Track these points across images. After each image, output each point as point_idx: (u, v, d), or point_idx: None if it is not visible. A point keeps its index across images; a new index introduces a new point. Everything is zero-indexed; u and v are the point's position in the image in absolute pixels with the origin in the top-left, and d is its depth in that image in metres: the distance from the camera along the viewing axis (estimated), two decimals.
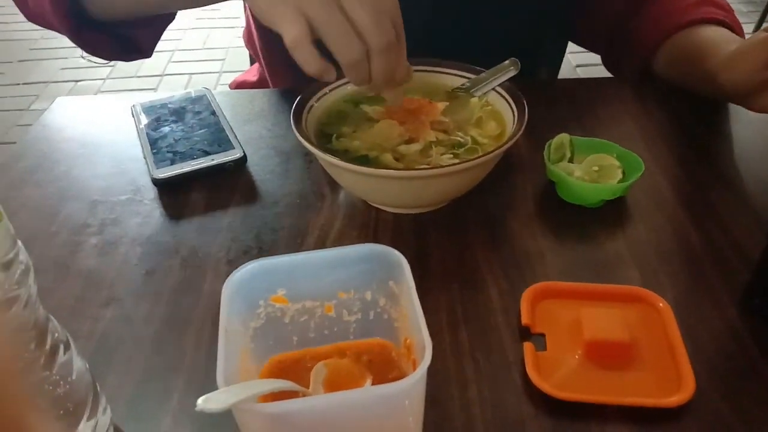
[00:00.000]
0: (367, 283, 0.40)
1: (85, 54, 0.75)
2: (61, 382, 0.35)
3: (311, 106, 0.60)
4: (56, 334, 0.36)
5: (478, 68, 0.63)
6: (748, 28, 3.07)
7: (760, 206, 0.59)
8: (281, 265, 0.38)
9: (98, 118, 0.77)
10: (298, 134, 0.54)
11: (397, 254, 0.38)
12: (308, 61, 0.50)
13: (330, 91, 0.63)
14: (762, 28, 0.63)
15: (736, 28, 0.75)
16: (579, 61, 0.96)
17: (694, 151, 0.67)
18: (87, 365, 0.38)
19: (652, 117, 0.73)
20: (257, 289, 0.39)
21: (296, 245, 0.56)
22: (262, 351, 0.41)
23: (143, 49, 0.77)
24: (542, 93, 0.76)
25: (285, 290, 0.39)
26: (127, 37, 0.75)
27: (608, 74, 0.89)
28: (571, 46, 0.94)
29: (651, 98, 0.76)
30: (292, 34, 0.48)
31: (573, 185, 0.57)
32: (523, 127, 0.54)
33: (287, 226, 0.58)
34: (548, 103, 0.75)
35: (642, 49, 0.79)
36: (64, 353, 0.36)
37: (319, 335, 0.42)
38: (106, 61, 0.76)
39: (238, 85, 1.04)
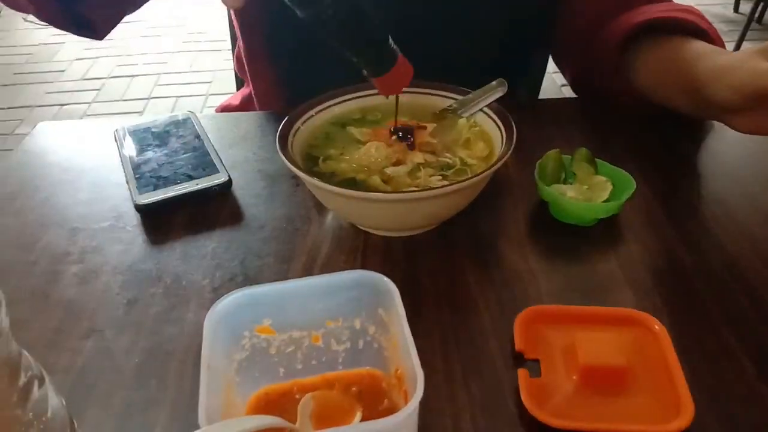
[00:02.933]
0: (356, 311, 0.39)
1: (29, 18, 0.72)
2: (35, 422, 0.33)
3: (297, 129, 0.59)
4: (30, 371, 0.34)
5: (464, 89, 0.63)
6: (726, 47, 3.11)
7: (752, 224, 0.58)
8: (266, 295, 0.37)
9: (81, 143, 0.76)
10: (284, 157, 0.53)
11: (386, 281, 0.37)
12: None
13: (316, 113, 0.62)
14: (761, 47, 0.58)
15: (718, 42, 0.73)
16: (564, 81, 0.97)
17: (683, 169, 0.67)
18: (64, 401, 0.36)
19: (640, 135, 0.73)
20: (241, 320, 0.37)
21: (283, 271, 0.55)
22: (248, 384, 0.39)
23: (96, 29, 0.73)
24: (529, 112, 0.76)
25: (271, 320, 0.38)
26: (81, 13, 0.71)
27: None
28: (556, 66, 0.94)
29: (637, 116, 0.75)
30: None
31: (568, 205, 0.56)
32: (512, 148, 0.54)
33: (274, 252, 0.57)
34: (535, 122, 0.74)
35: (609, 52, 0.74)
36: (39, 389, 0.34)
37: (307, 366, 0.40)
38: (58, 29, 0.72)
39: (223, 110, 1.03)
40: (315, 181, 0.51)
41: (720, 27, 3.30)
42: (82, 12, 0.70)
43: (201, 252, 0.57)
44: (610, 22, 0.77)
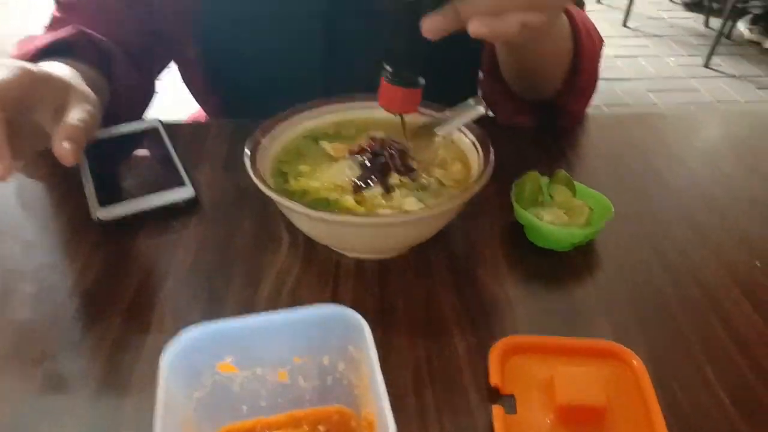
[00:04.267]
0: (325, 348, 0.37)
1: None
2: None
3: (267, 143, 0.57)
4: None
5: (440, 106, 0.61)
6: (696, 60, 3.16)
7: (728, 249, 0.58)
8: (229, 331, 0.35)
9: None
10: (252, 175, 0.51)
11: (357, 317, 0.35)
12: None
13: (288, 126, 0.59)
14: None
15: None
16: None
17: (658, 189, 0.66)
18: None
19: (614, 154, 0.72)
20: (201, 357, 0.35)
21: (250, 294, 0.52)
22: (208, 422, 0.37)
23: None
24: (506, 132, 0.75)
25: (233, 357, 0.36)
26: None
27: None
28: None
29: (614, 136, 0.75)
30: None
31: (544, 230, 0.55)
32: (490, 171, 0.52)
33: (241, 273, 0.54)
34: (512, 142, 0.73)
35: None
36: None
37: (272, 403, 0.38)
38: None
39: (196, 117, 1.00)
40: (286, 201, 0.48)
41: (690, 41, 3.36)
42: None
43: (163, 272, 0.55)
44: None
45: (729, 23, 3.22)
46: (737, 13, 3.24)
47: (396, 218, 0.47)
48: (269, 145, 0.57)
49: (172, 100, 1.12)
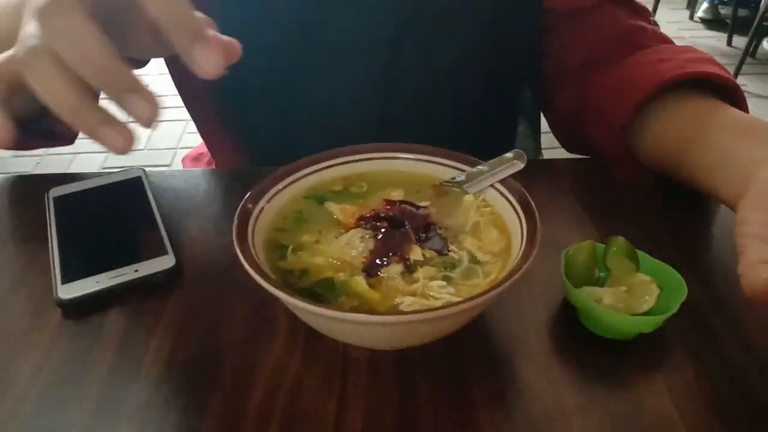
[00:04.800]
0: None
1: None
2: None
3: (261, 210, 0.47)
4: None
5: (474, 159, 0.51)
6: None
7: None
8: None
9: (4, 210, 0.62)
10: (243, 259, 0.40)
11: None
12: None
13: (284, 187, 0.49)
14: None
15: (742, 100, 0.58)
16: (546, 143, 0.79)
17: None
18: None
19: (682, 215, 0.59)
20: None
21: (239, 400, 0.42)
22: None
23: (64, 137, 0.63)
24: (539, 173, 0.64)
25: None
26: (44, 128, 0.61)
27: None
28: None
29: (671, 186, 0.63)
30: None
31: (604, 315, 0.44)
32: (537, 246, 0.42)
33: (229, 369, 0.44)
34: (549, 186, 0.62)
35: (616, 116, 0.59)
36: None
37: None
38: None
39: (194, 159, 0.90)
40: (283, 295, 0.38)
41: None
42: (48, 126, 0.60)
43: (135, 367, 0.44)
44: (607, 64, 0.65)
45: (754, 42, 3.11)
46: (763, 32, 3.12)
47: (421, 316, 0.37)
48: (263, 211, 0.47)
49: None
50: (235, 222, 0.43)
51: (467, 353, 0.45)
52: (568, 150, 0.75)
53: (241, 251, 0.41)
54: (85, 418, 0.41)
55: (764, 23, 2.99)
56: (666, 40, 0.67)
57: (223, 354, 0.45)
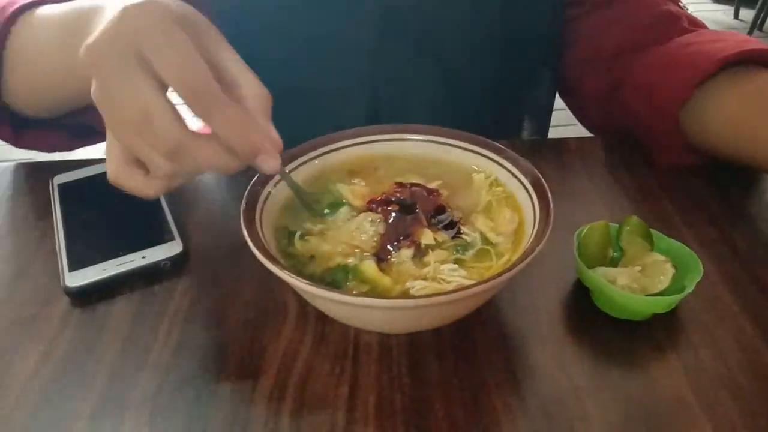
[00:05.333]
0: None
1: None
2: None
3: (268, 194, 0.46)
4: None
5: (490, 141, 0.49)
6: None
7: None
8: None
9: (8, 198, 0.62)
10: (252, 245, 0.40)
11: None
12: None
13: (294, 168, 0.49)
14: None
15: None
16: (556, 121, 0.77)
17: (753, 240, 0.53)
18: None
19: (696, 194, 0.58)
20: None
21: (246, 392, 0.41)
22: None
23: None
24: (553, 155, 0.63)
25: None
26: (76, 124, 0.62)
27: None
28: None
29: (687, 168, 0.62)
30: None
31: (618, 298, 0.43)
32: (551, 227, 0.41)
33: (238, 352, 0.44)
34: (562, 168, 0.61)
35: (671, 93, 0.59)
36: None
37: None
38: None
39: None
40: (290, 277, 0.37)
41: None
42: (87, 121, 0.62)
43: (144, 352, 0.44)
44: (648, 46, 0.64)
45: (762, 15, 3.06)
46: None
47: (432, 300, 0.36)
48: (270, 196, 0.46)
49: None
50: (243, 205, 0.42)
51: (478, 336, 0.44)
52: (592, 131, 0.76)
53: (249, 236, 0.40)
54: (92, 407, 0.41)
55: None
56: (701, 25, 0.68)
57: (232, 340, 0.45)
